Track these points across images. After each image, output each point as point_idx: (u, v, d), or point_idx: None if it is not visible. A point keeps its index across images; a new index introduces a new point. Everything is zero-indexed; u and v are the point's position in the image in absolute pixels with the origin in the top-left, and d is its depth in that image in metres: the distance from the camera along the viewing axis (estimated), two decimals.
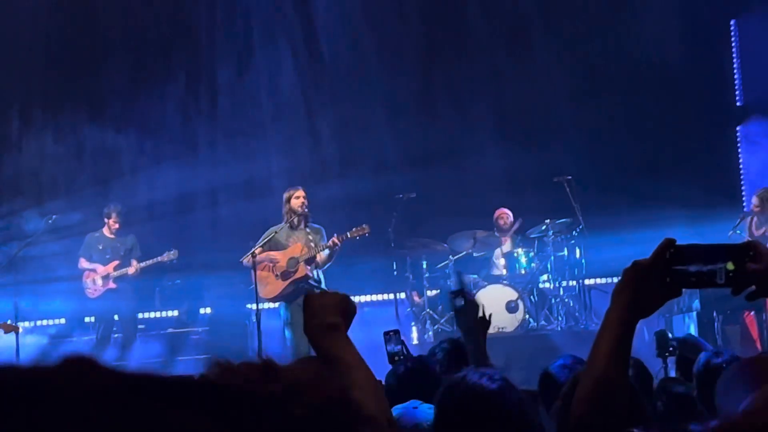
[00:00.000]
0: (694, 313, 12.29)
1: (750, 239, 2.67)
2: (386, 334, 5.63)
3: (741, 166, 15.98)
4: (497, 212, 14.37)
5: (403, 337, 5.64)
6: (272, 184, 14.58)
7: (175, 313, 14.74)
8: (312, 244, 11.45)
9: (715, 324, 12.31)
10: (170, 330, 14.29)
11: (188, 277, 14.44)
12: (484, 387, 3.21)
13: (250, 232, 12.22)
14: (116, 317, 13.23)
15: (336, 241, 11.33)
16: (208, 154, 15.85)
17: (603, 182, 14.67)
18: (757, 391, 1.98)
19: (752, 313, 12.42)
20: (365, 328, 5.89)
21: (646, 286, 2.35)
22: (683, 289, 2.38)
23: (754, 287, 2.35)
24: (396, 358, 5.44)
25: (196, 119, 15.98)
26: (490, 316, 4.52)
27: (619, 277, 2.42)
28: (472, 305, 4.40)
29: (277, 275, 11.40)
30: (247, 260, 11.38)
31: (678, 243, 2.36)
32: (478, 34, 16.05)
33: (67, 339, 14.14)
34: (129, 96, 15.81)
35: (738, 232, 12.58)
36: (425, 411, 4.03)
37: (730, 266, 2.32)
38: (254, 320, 11.49)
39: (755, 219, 12.66)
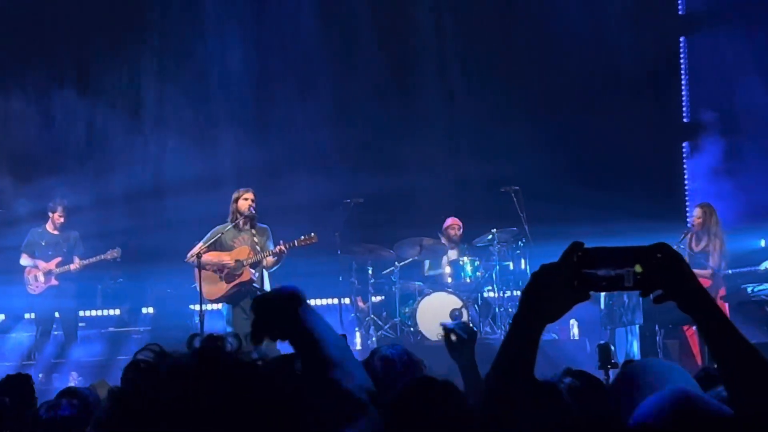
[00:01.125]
0: (637, 327, 12.36)
1: (661, 242, 2.68)
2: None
3: (686, 182, 16.13)
4: (448, 221, 14.38)
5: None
6: (220, 184, 14.51)
7: (117, 311, 14.62)
8: (258, 247, 11.40)
9: (657, 338, 12.39)
10: (111, 329, 14.18)
11: (131, 276, 14.32)
12: None
13: (196, 232, 12.13)
14: (57, 314, 13.08)
15: (282, 248, 11.31)
16: (156, 152, 15.74)
17: (550, 193, 14.73)
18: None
19: (693, 327, 12.52)
20: None
21: (554, 290, 2.32)
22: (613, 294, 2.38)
23: (661, 290, 2.33)
24: None
25: (145, 115, 15.86)
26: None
27: (528, 281, 2.38)
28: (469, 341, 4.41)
29: (221, 277, 11.34)
30: (191, 259, 11.30)
31: (586, 246, 2.33)
32: (430, 44, 16.10)
33: (6, 335, 13.99)
34: (75, 90, 15.66)
35: (682, 246, 12.68)
36: None
37: (638, 269, 2.30)
38: (197, 321, 11.41)
39: (693, 235, 12.78)
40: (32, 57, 15.67)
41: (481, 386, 4.20)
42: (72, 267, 12.91)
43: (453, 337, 4.29)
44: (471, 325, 4.57)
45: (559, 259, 2.33)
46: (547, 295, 2.33)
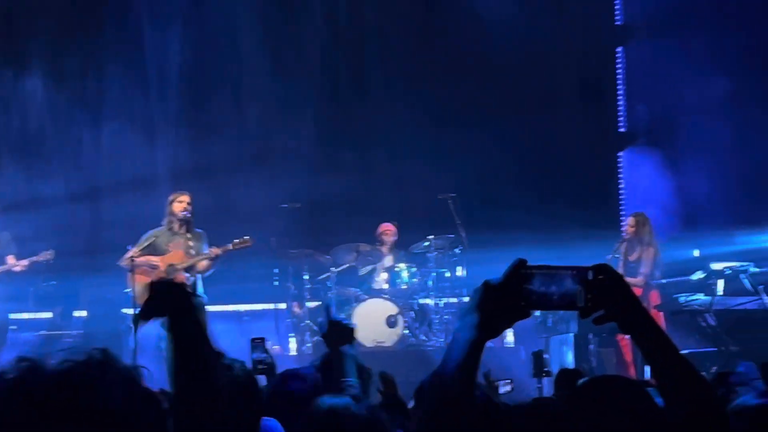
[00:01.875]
0: (572, 335, 12.43)
1: (603, 263, 2.68)
2: (253, 341, 5.61)
3: (621, 191, 16.26)
4: (381, 227, 14.35)
5: (279, 347, 5.64)
6: (156, 186, 14.41)
7: (49, 314, 14.42)
8: (192, 251, 11.30)
9: (591, 346, 12.47)
10: (43, 332, 13.98)
11: (64, 279, 14.14)
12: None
13: (130, 234, 12.00)
14: None
15: (217, 251, 11.25)
16: (90, 151, 15.58)
17: (487, 201, 14.79)
18: None
19: (627, 337, 12.59)
20: (244, 336, 5.83)
21: (496, 307, 2.30)
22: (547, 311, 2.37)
23: (602, 311, 2.33)
24: (260, 366, 5.38)
25: (81, 114, 15.69)
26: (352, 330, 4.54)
27: (470, 296, 2.37)
28: (340, 328, 4.43)
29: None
30: (125, 263, 11.17)
31: (529, 263, 2.32)
32: (370, 50, 16.12)
33: None
34: (10, 86, 15.50)
35: (617, 256, 12.79)
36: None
37: (579, 289, 2.30)
38: (130, 324, 11.29)
39: (626, 244, 12.90)
40: None
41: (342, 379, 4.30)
42: (16, 268, 12.67)
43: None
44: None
45: (503, 276, 2.31)
46: (490, 312, 2.30)
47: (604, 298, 2.31)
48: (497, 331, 2.31)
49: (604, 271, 2.33)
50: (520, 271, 2.30)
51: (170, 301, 2.58)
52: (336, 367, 4.40)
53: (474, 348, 2.30)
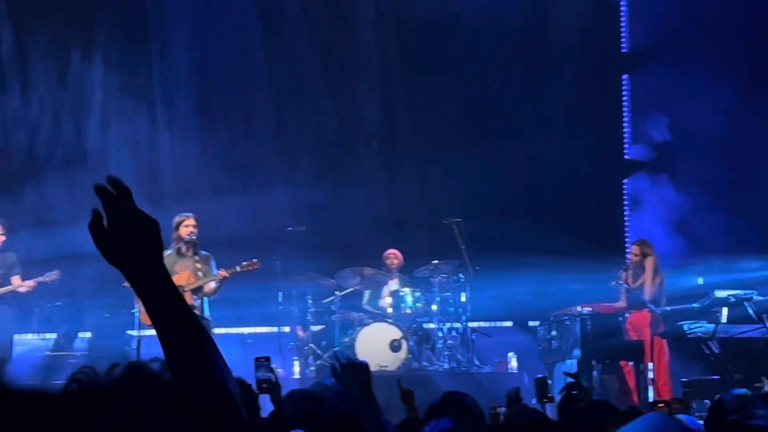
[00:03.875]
0: (575, 361, 12.43)
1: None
2: (257, 360, 5.54)
3: (626, 219, 16.28)
4: (386, 252, 14.39)
5: (283, 370, 5.63)
6: (164, 207, 14.44)
7: (54, 335, 14.44)
8: (200, 273, 11.30)
9: (594, 372, 12.47)
10: (47, 353, 13.99)
11: (69, 300, 14.16)
12: None
13: None
14: None
15: (224, 274, 11.23)
16: (94, 169, 15.63)
17: (491, 227, 14.80)
18: None
19: (630, 363, 12.61)
20: (247, 359, 5.81)
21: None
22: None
23: None
24: (264, 385, 5.36)
25: (86, 132, 15.76)
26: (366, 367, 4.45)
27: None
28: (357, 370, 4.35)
29: None
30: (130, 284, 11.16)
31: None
32: (371, 72, 16.17)
33: None
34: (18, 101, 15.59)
35: (620, 283, 12.82)
36: None
37: None
38: (134, 346, 11.30)
39: (631, 271, 12.91)
40: None
41: (379, 419, 4.19)
42: (24, 288, 12.70)
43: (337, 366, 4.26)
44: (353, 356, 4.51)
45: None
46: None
47: None
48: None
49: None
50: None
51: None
52: (368, 407, 4.34)
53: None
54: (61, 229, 14.64)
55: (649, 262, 12.75)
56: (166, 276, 2.09)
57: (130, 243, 2.09)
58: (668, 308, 12.69)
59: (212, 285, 11.35)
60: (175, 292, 2.08)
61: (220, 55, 16.07)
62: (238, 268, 11.39)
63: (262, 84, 16.02)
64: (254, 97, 16.05)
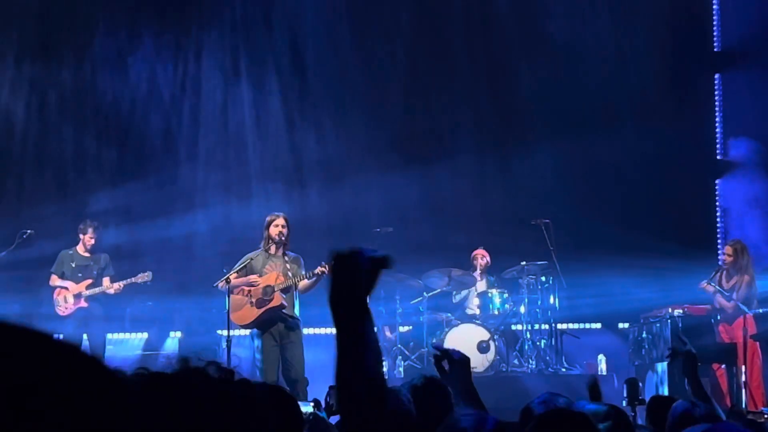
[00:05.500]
0: (665, 363, 12.27)
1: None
2: (332, 388, 5.43)
3: (718, 220, 16.04)
4: (475, 252, 14.36)
5: None
6: (251, 210, 14.57)
7: (145, 335, 14.64)
8: (290, 273, 11.32)
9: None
10: (139, 352, 14.20)
11: (160, 300, 14.35)
12: None
13: (227, 257, 12.14)
14: (85, 336, 13.11)
15: (323, 269, 11.14)
16: (188, 175, 15.82)
17: (580, 228, 14.70)
18: None
19: (723, 366, 12.42)
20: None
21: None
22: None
23: None
24: (334, 409, 5.28)
25: (177, 138, 15.98)
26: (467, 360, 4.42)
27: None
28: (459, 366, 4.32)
29: (251, 302, 11.25)
30: (221, 285, 11.26)
31: None
32: (459, 70, 16.15)
33: None
34: (110, 110, 15.84)
35: (712, 284, 12.62)
36: None
37: None
38: (224, 346, 11.40)
39: (725, 272, 12.71)
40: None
41: (482, 409, 4.17)
42: (111, 290, 12.93)
43: (445, 362, 4.22)
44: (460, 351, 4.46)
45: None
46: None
47: None
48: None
49: None
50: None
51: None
52: (472, 399, 4.32)
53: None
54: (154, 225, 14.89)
55: (743, 262, 12.54)
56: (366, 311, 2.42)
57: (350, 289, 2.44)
58: (761, 310, 12.48)
59: (306, 282, 11.29)
60: (368, 324, 2.43)
61: (314, 50, 16.18)
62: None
63: (351, 83, 16.10)
64: (347, 92, 16.13)
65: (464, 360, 4.35)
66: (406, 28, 16.23)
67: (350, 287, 2.33)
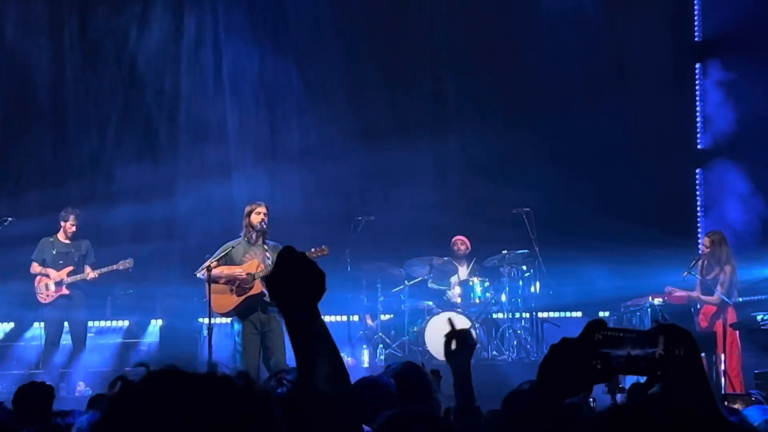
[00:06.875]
0: None
1: (681, 329, 2.61)
2: None
3: (699, 209, 16.10)
4: (454, 238, 14.39)
5: (352, 359, 5.59)
6: (232, 199, 14.56)
7: (126, 323, 14.62)
8: (269, 261, 11.31)
9: None
10: (120, 340, 14.18)
11: (142, 288, 14.33)
12: None
13: (208, 245, 12.12)
14: (66, 324, 13.09)
15: None
16: (169, 164, 15.77)
17: (561, 216, 14.74)
18: None
19: (702, 354, 12.46)
20: None
21: (573, 366, 2.25)
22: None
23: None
24: None
25: (158, 125, 15.93)
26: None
27: (547, 353, 2.32)
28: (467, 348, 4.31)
29: (232, 290, 11.25)
30: (202, 273, 11.25)
31: (608, 325, 2.27)
32: (441, 53, 16.17)
33: (15, 343, 14.01)
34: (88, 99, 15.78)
35: (693, 273, 12.64)
36: None
37: (659, 355, 2.25)
38: (205, 334, 11.39)
39: (704, 262, 12.73)
40: None
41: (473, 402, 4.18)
42: (88, 276, 12.91)
43: (453, 344, 4.22)
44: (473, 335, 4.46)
45: (579, 336, 2.26)
46: (567, 371, 2.26)
47: (677, 371, 2.26)
48: (575, 391, 2.27)
49: (681, 341, 2.28)
50: (597, 333, 2.26)
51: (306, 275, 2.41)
52: (467, 389, 4.32)
53: (551, 407, 2.27)
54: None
55: (722, 253, 12.58)
56: (316, 316, 2.41)
57: (293, 289, 2.43)
58: (740, 299, 12.54)
59: None
60: (322, 329, 2.41)
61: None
62: (307, 255, 11.31)
63: (335, 73, 16.09)
64: (328, 84, 16.12)
65: (473, 345, 4.37)
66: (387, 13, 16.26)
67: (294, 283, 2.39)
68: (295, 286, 2.43)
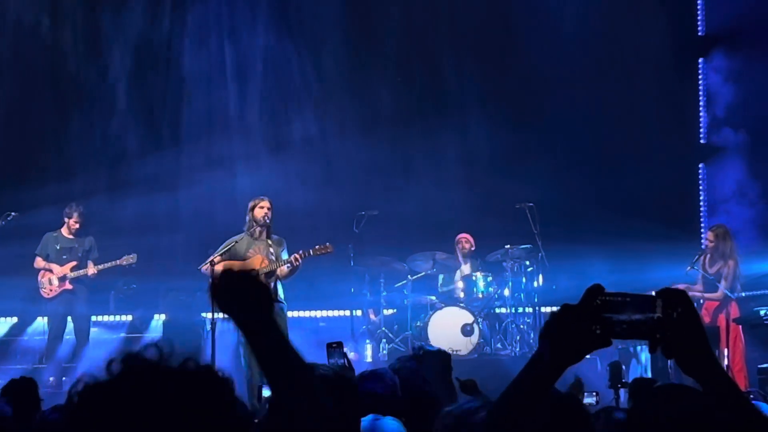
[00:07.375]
0: (647, 344, 12.30)
1: (677, 288, 2.62)
2: (329, 346, 5.47)
3: (702, 203, 16.09)
4: (459, 236, 14.38)
5: (355, 353, 5.60)
6: (235, 193, 14.55)
7: (130, 317, 14.64)
8: (273, 257, 11.31)
9: (669, 360, 12.32)
10: (123, 335, 14.20)
11: (145, 282, 14.33)
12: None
13: (211, 240, 12.12)
14: (70, 318, 13.11)
15: (298, 257, 11.16)
16: (172, 159, 15.76)
17: (564, 211, 14.72)
18: None
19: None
20: (321, 343, 5.81)
21: (574, 332, 2.25)
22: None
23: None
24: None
25: (161, 121, 15.92)
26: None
27: (547, 320, 2.33)
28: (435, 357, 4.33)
29: None
30: (205, 268, 11.26)
31: (607, 290, 2.28)
32: (445, 52, 16.15)
33: (19, 338, 14.03)
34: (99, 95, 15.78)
35: (696, 268, 12.64)
36: (389, 423, 4.02)
37: (658, 318, 2.26)
38: (209, 329, 11.40)
39: (708, 256, 12.72)
40: None
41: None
42: (89, 272, 12.93)
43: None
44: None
45: (579, 302, 2.27)
46: (567, 337, 2.26)
47: (677, 334, 2.27)
48: (575, 358, 2.27)
49: (678, 302, 2.29)
50: (597, 298, 2.26)
51: (247, 297, 2.41)
52: (448, 393, 4.33)
53: (550, 372, 2.28)
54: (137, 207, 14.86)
55: (727, 247, 12.57)
56: (273, 327, 2.39)
57: (239, 302, 2.41)
58: (744, 294, 12.52)
59: (285, 269, 11.31)
60: (282, 341, 2.40)
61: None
62: (311, 252, 11.33)
63: (332, 77, 16.09)
64: (327, 88, 16.11)
65: (438, 352, 4.37)
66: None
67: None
68: (241, 297, 2.42)
